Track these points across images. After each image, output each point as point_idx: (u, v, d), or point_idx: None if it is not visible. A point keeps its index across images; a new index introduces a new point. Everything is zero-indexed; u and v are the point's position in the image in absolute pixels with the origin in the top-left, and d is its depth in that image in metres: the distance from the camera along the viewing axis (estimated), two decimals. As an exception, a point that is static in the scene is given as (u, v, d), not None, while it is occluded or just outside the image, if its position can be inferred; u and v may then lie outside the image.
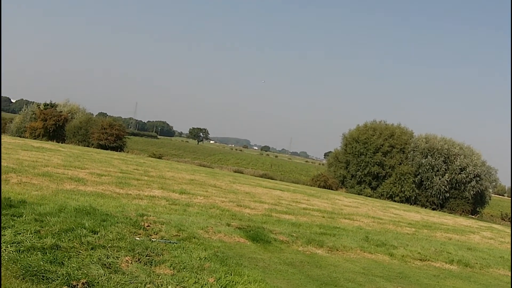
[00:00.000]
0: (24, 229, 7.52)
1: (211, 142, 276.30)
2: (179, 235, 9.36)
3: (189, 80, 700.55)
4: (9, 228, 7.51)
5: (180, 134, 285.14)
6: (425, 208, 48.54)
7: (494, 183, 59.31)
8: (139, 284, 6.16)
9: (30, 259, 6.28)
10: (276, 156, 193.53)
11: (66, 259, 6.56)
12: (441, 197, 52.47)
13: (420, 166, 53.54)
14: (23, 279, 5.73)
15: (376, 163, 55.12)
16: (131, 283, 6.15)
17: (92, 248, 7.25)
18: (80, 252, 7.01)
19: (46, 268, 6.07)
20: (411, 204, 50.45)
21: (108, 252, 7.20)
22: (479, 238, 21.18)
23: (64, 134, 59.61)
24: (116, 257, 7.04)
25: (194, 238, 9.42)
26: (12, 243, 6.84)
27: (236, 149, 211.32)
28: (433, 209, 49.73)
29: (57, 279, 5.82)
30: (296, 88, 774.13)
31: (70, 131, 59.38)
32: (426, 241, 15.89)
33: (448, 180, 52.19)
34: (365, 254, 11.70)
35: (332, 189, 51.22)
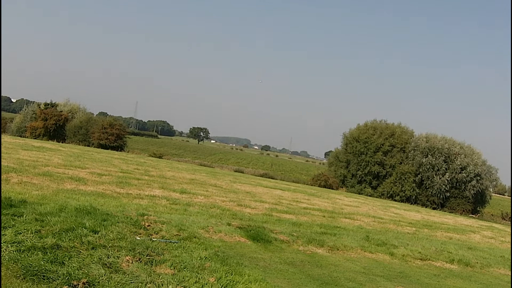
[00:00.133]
0: (24, 229, 7.52)
1: (212, 141, 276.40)
2: (180, 235, 9.36)
3: (190, 79, 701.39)
4: (10, 227, 7.51)
5: (181, 134, 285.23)
6: (426, 207, 48.50)
7: (494, 183, 59.27)
8: (140, 284, 6.16)
9: (30, 258, 6.28)
10: (277, 156, 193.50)
11: (67, 259, 6.56)
12: (441, 196, 52.43)
13: (421, 166, 53.51)
14: (24, 278, 5.73)
15: (377, 162, 55.09)
16: (131, 282, 6.15)
17: (92, 248, 7.25)
18: (80, 251, 7.01)
19: (46, 267, 6.07)
20: (411, 203, 50.43)
21: (109, 251, 7.20)
22: (480, 237, 21.17)
23: (65, 134, 59.59)
24: (117, 256, 7.04)
25: (195, 237, 9.42)
26: (13, 242, 6.84)
27: (237, 149, 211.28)
28: (434, 208, 49.71)
29: (58, 279, 5.82)
30: (297, 87, 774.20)
31: (71, 131, 59.35)
32: (427, 241, 15.88)
33: (448, 179, 52.15)
34: (365, 253, 11.69)
35: (332, 189, 51.20)
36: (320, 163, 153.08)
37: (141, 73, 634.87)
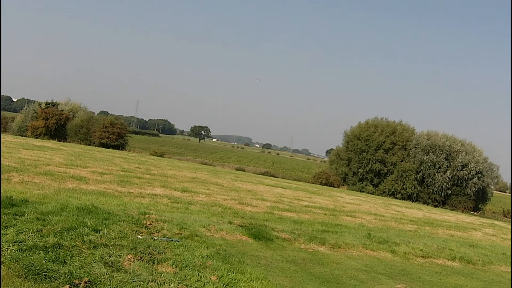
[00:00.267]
0: (26, 228, 7.53)
1: (213, 140, 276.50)
2: (181, 233, 9.37)
3: (191, 78, 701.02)
4: (11, 227, 7.52)
5: (182, 132, 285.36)
6: (427, 205, 48.44)
7: (496, 180, 59.19)
8: (142, 283, 6.16)
9: (32, 258, 6.29)
10: (278, 154, 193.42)
11: (68, 258, 6.56)
12: (443, 194, 52.38)
13: (422, 163, 53.46)
14: (26, 278, 5.74)
15: (378, 160, 55.05)
16: (133, 281, 6.15)
17: (94, 247, 7.26)
18: (82, 250, 7.02)
19: (48, 267, 6.08)
20: (413, 201, 50.37)
21: (110, 250, 7.21)
22: (481, 235, 21.16)
23: (66, 133, 59.59)
24: (118, 255, 7.05)
25: (196, 236, 9.43)
26: (14, 242, 6.85)
27: (238, 147, 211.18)
28: (435, 206, 49.62)
29: (60, 278, 5.83)
30: (297, 86, 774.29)
31: (72, 130, 59.35)
32: (428, 238, 15.89)
33: (450, 177, 52.09)
34: (367, 251, 11.70)
35: (334, 187, 51.17)
36: (321, 161, 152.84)
37: (142, 72, 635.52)
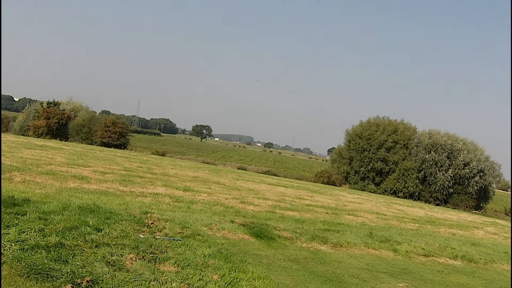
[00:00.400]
0: (28, 228, 7.53)
1: (215, 139, 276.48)
2: (183, 232, 9.37)
3: (192, 77, 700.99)
4: (13, 226, 7.52)
5: (183, 131, 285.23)
6: (429, 203, 48.45)
7: (497, 179, 59.14)
8: (144, 282, 6.16)
9: (34, 257, 6.30)
10: (280, 153, 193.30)
11: (70, 257, 6.57)
12: (444, 192, 52.35)
13: (424, 162, 53.43)
14: (28, 277, 5.75)
15: (380, 159, 55.03)
16: (135, 280, 6.16)
17: (96, 246, 7.26)
18: (84, 250, 7.02)
19: (50, 266, 6.08)
20: (414, 199, 50.34)
21: (112, 249, 7.21)
22: (483, 233, 21.14)
23: (68, 132, 59.64)
24: (120, 254, 7.05)
25: (198, 235, 9.43)
26: (16, 241, 6.85)
27: (240, 146, 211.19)
28: (437, 204, 49.62)
29: (62, 277, 5.83)
30: (299, 84, 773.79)
31: (73, 129, 59.40)
32: (430, 237, 15.87)
33: (451, 175, 52.06)
34: (369, 250, 11.69)
35: (335, 185, 51.16)
36: (323, 160, 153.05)
37: (143, 71, 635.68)
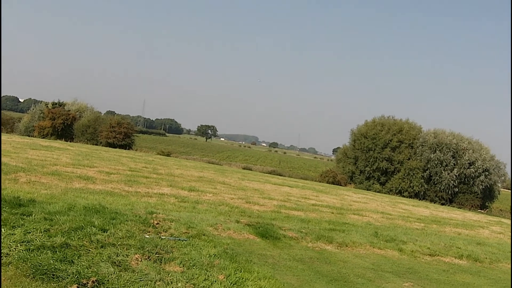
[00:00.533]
0: (33, 228, 7.55)
1: (220, 139, 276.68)
2: (189, 233, 9.37)
3: (197, 77, 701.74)
4: (19, 227, 7.54)
5: (189, 132, 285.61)
6: (434, 203, 48.34)
7: (503, 178, 58.88)
8: (149, 282, 6.17)
9: (40, 257, 6.31)
10: (285, 153, 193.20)
11: (76, 258, 6.58)
12: (450, 192, 52.22)
13: (429, 161, 53.30)
14: (33, 277, 5.76)
15: (385, 158, 54.94)
16: (140, 280, 6.16)
17: (101, 246, 7.28)
18: (90, 250, 7.03)
19: (56, 266, 6.09)
20: (420, 199, 50.23)
21: (118, 250, 7.22)
22: (489, 232, 21.06)
23: (73, 133, 59.80)
24: (126, 255, 7.06)
25: (204, 235, 9.44)
26: (22, 242, 6.87)
27: (245, 146, 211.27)
28: (442, 204, 49.50)
29: (67, 278, 5.84)
30: (304, 85, 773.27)
31: (79, 130, 59.55)
32: (436, 236, 15.83)
33: (456, 175, 51.92)
34: (374, 249, 11.67)
35: (341, 185, 51.12)
36: (328, 160, 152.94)
37: (148, 71, 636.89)
